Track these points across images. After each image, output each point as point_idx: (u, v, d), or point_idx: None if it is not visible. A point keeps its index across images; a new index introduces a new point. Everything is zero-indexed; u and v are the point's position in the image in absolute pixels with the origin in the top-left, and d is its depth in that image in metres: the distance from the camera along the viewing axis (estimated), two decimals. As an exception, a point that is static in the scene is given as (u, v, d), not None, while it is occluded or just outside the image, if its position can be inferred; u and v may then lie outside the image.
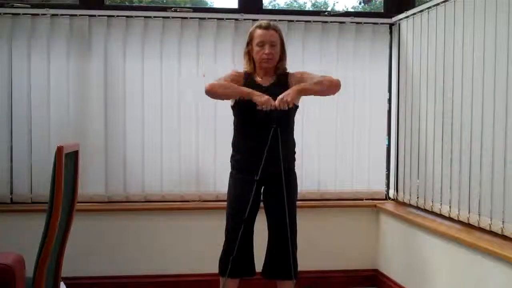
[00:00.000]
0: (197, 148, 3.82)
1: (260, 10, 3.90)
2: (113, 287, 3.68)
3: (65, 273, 2.69)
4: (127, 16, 3.75)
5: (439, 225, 3.13)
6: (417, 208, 3.57)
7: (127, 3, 4.61)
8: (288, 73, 3.06)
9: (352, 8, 5.10)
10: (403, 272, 3.58)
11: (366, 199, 4.00)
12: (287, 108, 2.81)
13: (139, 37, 3.77)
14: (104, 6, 3.79)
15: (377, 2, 4.78)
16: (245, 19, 3.78)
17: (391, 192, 4.00)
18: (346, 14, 3.98)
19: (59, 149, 2.20)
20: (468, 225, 2.96)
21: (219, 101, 3.60)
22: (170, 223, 3.78)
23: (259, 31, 2.96)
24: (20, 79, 3.68)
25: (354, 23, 3.92)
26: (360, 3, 4.62)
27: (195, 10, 3.84)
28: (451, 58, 3.11)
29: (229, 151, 3.09)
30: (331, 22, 3.90)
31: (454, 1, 3.08)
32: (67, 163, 2.31)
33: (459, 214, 3.04)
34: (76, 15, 3.69)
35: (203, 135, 3.81)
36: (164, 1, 4.92)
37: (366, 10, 4.83)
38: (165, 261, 3.76)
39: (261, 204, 3.06)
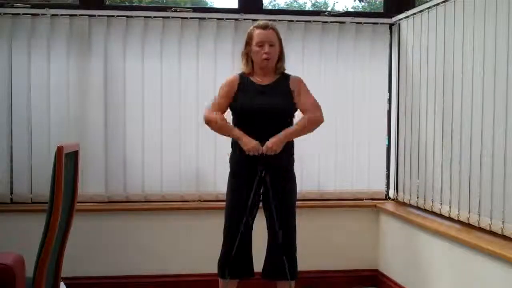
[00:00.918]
0: (197, 148, 3.82)
1: (260, 10, 3.90)
2: (113, 287, 3.68)
3: (65, 273, 2.69)
4: (127, 16, 3.75)
5: (439, 225, 3.13)
6: (417, 208, 3.57)
7: (127, 3, 4.62)
8: (288, 75, 3.06)
9: (352, 8, 5.10)
10: (403, 272, 3.58)
11: (366, 199, 4.00)
12: (273, 154, 2.87)
13: (139, 37, 3.77)
14: (104, 6, 3.79)
15: (377, 2, 4.78)
16: (245, 19, 3.78)
17: (391, 192, 4.00)
18: (346, 14, 3.98)
19: (59, 149, 2.20)
20: (468, 225, 2.96)
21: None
22: (170, 223, 3.78)
23: (257, 31, 2.97)
24: (20, 79, 3.68)
25: (354, 23, 3.92)
26: (355, 0, 4.63)
27: (195, 10, 3.84)
28: (451, 58, 3.11)
29: (229, 151, 3.08)
30: (331, 22, 3.90)
31: (454, 1, 3.08)
32: (67, 163, 2.31)
33: (459, 214, 3.04)
34: (76, 15, 3.69)
35: (203, 135, 3.81)
36: (164, 1, 4.92)
37: (366, 10, 4.83)
38: (165, 261, 3.76)
39: (260, 204, 3.06)
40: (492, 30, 2.73)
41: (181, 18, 3.78)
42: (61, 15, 3.68)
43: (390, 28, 3.97)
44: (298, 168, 3.12)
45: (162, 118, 3.80)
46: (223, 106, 3.02)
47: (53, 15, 3.67)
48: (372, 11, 4.97)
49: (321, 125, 3.17)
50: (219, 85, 3.12)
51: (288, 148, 3.04)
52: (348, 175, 3.97)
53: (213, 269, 3.06)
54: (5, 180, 3.68)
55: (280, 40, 3.02)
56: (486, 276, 2.66)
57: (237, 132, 2.93)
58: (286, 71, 3.08)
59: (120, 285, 3.69)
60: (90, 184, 3.74)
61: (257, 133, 2.89)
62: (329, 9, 4.73)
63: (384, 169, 4.03)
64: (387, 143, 4.04)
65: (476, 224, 2.88)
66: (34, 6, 3.69)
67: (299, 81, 3.06)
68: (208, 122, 3.02)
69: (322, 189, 3.95)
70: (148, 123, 3.79)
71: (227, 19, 3.81)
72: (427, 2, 3.39)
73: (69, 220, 2.54)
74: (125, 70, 3.78)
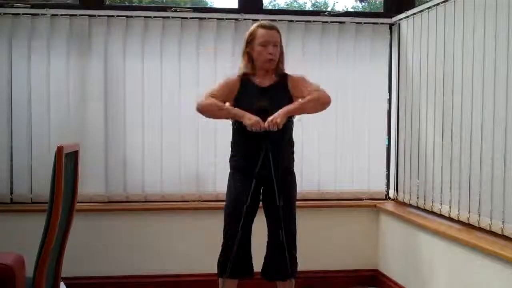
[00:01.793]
0: (197, 148, 3.82)
1: (260, 10, 3.90)
2: (113, 287, 3.68)
3: (65, 273, 2.69)
4: (127, 16, 3.75)
5: (439, 225, 3.13)
6: (417, 208, 3.57)
7: (127, 3, 4.62)
8: (287, 74, 3.06)
9: (352, 8, 5.10)
10: (403, 272, 3.58)
11: (366, 199, 4.00)
12: (276, 129, 2.83)
13: (139, 37, 3.77)
14: (104, 6, 3.79)
15: (377, 2, 4.78)
16: (245, 19, 3.78)
17: (391, 192, 4.00)
18: (346, 14, 3.98)
19: (59, 149, 2.20)
20: (468, 225, 2.96)
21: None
22: (170, 223, 3.78)
23: (262, 31, 2.95)
24: (20, 79, 3.68)
25: (354, 23, 3.92)
26: (356, 1, 4.63)
27: (195, 10, 3.84)
28: (451, 58, 3.11)
29: (229, 151, 3.09)
30: (331, 22, 3.90)
31: (454, 1, 3.08)
32: (67, 163, 2.31)
33: (459, 214, 3.04)
34: (76, 15, 3.69)
35: (203, 135, 3.81)
36: (164, 1, 4.92)
37: (366, 10, 4.83)
38: (165, 261, 3.76)
39: (261, 204, 3.06)
40: (492, 30, 2.73)
41: (181, 18, 3.78)
42: (61, 15, 3.68)
43: (390, 28, 3.97)
44: (298, 168, 3.12)
45: (162, 118, 3.80)
46: (217, 97, 2.94)
47: (53, 15, 3.67)
48: (372, 11, 4.97)
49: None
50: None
51: (289, 148, 3.04)
52: (348, 175, 3.97)
53: (213, 269, 3.06)
54: (5, 180, 3.67)
55: (281, 41, 3.02)
56: (486, 276, 2.66)
57: (237, 109, 2.90)
58: (285, 72, 3.07)
59: (120, 285, 3.69)
60: (90, 184, 3.74)
61: (258, 135, 2.88)
62: (329, 9, 4.73)
63: (384, 169, 4.03)
64: (387, 143, 4.04)
65: (476, 224, 2.88)
66: (34, 6, 3.69)
67: (297, 76, 3.05)
68: (204, 107, 2.93)
69: (322, 189, 3.95)
70: (148, 123, 3.79)
71: (227, 19, 3.81)
72: (427, 2, 3.39)
73: (69, 220, 2.54)
74: (125, 70, 3.78)
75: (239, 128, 3.00)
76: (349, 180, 3.97)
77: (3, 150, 3.67)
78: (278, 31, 2.98)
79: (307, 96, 2.95)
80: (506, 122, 2.61)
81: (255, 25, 3.03)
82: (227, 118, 2.99)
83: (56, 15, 3.68)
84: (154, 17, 3.76)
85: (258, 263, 3.04)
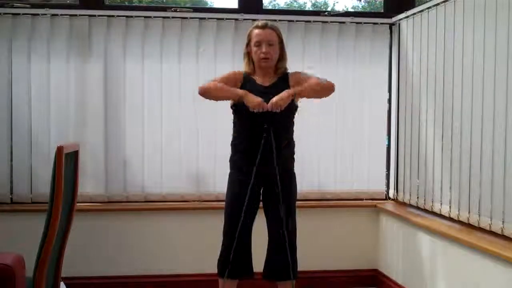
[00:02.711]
0: (197, 148, 3.82)
1: (260, 10, 3.90)
2: (113, 287, 3.68)
3: (65, 273, 2.69)
4: (127, 16, 3.75)
5: (439, 225, 3.13)
6: (417, 208, 3.57)
7: (127, 3, 4.62)
8: (288, 73, 3.06)
9: (352, 8, 5.10)
10: (403, 272, 3.58)
11: (366, 199, 4.00)
12: (279, 111, 2.83)
13: (139, 37, 3.77)
14: (104, 6, 3.79)
15: (377, 2, 4.78)
16: (245, 19, 3.78)
17: (391, 192, 4.00)
18: (346, 14, 3.98)
19: (59, 149, 2.20)
20: (468, 225, 2.96)
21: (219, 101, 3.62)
22: (170, 223, 3.78)
23: (256, 31, 2.96)
24: (20, 79, 3.68)
25: (354, 23, 3.92)
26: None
27: (195, 10, 3.84)
28: (451, 58, 3.11)
29: (229, 151, 3.08)
30: (331, 22, 3.90)
31: (454, 1, 3.08)
32: (67, 163, 2.31)
33: (459, 214, 3.04)
34: (76, 15, 3.69)
35: (203, 135, 3.81)
36: (164, 1, 4.92)
37: (366, 10, 4.84)
38: (165, 261, 3.76)
39: (261, 204, 3.06)
40: (492, 30, 2.73)
41: (181, 18, 3.78)
42: (61, 15, 3.68)
43: (390, 28, 3.97)
44: (298, 168, 3.12)
45: (162, 118, 3.80)
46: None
47: (53, 15, 3.67)
48: (372, 11, 4.97)
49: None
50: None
51: (290, 148, 3.04)
52: (348, 175, 3.97)
53: (213, 269, 3.05)
54: (5, 180, 3.67)
55: (281, 40, 3.00)
56: (486, 276, 2.66)
57: (240, 90, 2.89)
58: (287, 71, 3.06)
59: (120, 285, 3.69)
60: (90, 184, 3.74)
61: (259, 134, 2.88)
62: (329, 9, 4.73)
63: (384, 169, 4.03)
64: (387, 143, 4.04)
65: (476, 224, 2.88)
66: (34, 6, 3.69)
67: (298, 72, 3.04)
68: (205, 89, 2.92)
69: (322, 189, 3.95)
70: (148, 123, 3.79)
71: (227, 19, 3.81)
72: (427, 2, 3.39)
73: (69, 220, 2.54)
74: (125, 70, 3.78)
75: (239, 128, 3.01)
76: (349, 180, 3.97)
77: (3, 150, 3.67)
78: (275, 30, 2.97)
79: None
80: (506, 122, 2.61)
81: (252, 25, 3.04)
82: (228, 98, 2.95)
83: (56, 15, 3.68)
84: (154, 17, 3.76)
85: (258, 264, 3.04)
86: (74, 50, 3.72)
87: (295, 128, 3.06)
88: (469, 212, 2.94)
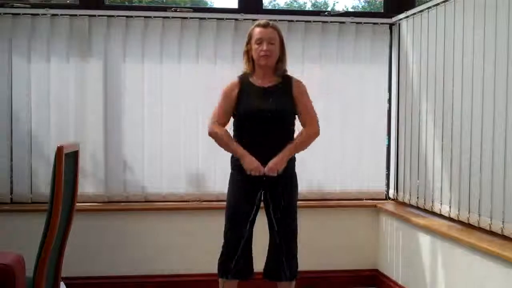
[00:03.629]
0: (197, 148, 3.82)
1: (260, 10, 3.90)
2: (113, 287, 3.68)
3: (65, 273, 2.69)
4: (127, 16, 3.75)
5: (439, 225, 3.12)
6: (417, 208, 3.57)
7: (127, 3, 4.62)
8: (291, 77, 3.04)
9: (352, 8, 5.10)
10: (403, 272, 3.58)
11: (366, 199, 4.00)
12: (276, 175, 2.87)
13: (139, 37, 3.76)
14: (104, 6, 3.79)
15: (377, 2, 4.78)
16: (245, 19, 3.78)
17: (391, 192, 4.00)
18: (346, 14, 3.98)
19: (59, 149, 2.20)
20: (468, 225, 2.96)
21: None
22: (170, 223, 3.77)
23: (257, 29, 2.96)
24: (20, 79, 3.68)
25: (354, 23, 3.92)
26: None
27: (195, 10, 3.84)
28: (451, 58, 3.11)
29: (229, 151, 3.09)
30: (331, 22, 3.90)
31: (454, 1, 3.08)
32: (67, 163, 2.31)
33: (459, 214, 3.04)
34: (76, 15, 3.69)
35: (203, 135, 3.79)
36: (164, 1, 4.92)
37: (366, 10, 4.83)
38: (165, 261, 3.76)
39: (261, 205, 3.05)
40: (492, 30, 2.73)
41: (181, 18, 3.78)
42: (61, 15, 3.68)
43: (390, 28, 3.97)
44: (298, 168, 3.12)
45: (162, 118, 3.80)
46: (223, 116, 3.01)
47: (53, 15, 3.67)
48: (372, 11, 4.97)
49: (321, 124, 3.15)
50: (219, 85, 3.11)
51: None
52: (348, 175, 3.97)
53: (213, 269, 3.05)
54: (5, 180, 3.67)
55: (281, 40, 3.00)
56: (486, 276, 2.66)
57: (241, 150, 2.92)
58: (287, 73, 3.06)
59: (120, 285, 3.69)
60: (90, 184, 3.74)
61: (259, 136, 2.88)
62: (329, 9, 4.72)
63: (384, 169, 4.03)
64: (387, 143, 4.04)
65: (476, 224, 2.88)
66: (34, 6, 3.70)
67: (302, 86, 3.04)
68: (213, 137, 3.02)
69: (322, 189, 3.95)
70: (148, 123, 3.79)
71: (227, 19, 3.81)
72: (427, 2, 3.39)
73: (69, 220, 2.54)
74: (125, 70, 3.78)
75: (239, 130, 3.01)
76: (349, 180, 3.97)
77: (3, 150, 3.67)
78: (276, 30, 2.97)
79: (302, 125, 3.02)
80: (506, 122, 2.61)
81: (253, 24, 3.04)
82: (229, 152, 3.03)
83: (56, 15, 3.67)
84: (154, 17, 3.76)
85: (259, 264, 3.04)
86: (74, 50, 3.72)
87: (295, 128, 3.06)
88: (469, 212, 2.94)
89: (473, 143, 2.90)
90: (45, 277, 2.23)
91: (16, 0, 3.67)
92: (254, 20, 3.58)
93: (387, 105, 4.02)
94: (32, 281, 2.20)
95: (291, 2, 4.98)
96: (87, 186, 3.72)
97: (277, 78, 3.01)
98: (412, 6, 3.80)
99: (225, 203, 3.05)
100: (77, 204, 2.66)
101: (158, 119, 3.80)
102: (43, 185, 3.63)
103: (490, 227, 2.75)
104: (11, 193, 3.70)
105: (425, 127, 3.45)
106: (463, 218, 2.99)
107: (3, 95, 3.66)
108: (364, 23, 3.93)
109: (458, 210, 3.05)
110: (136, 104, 3.78)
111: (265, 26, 2.95)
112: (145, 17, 3.75)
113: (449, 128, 3.13)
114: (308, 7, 5.18)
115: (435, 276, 3.15)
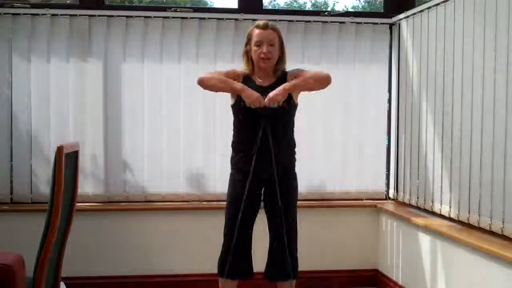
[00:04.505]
0: (197, 148, 3.82)
1: (260, 10, 3.90)
2: (113, 287, 3.68)
3: (65, 273, 2.69)
4: (127, 16, 3.75)
5: (439, 225, 3.12)
6: (417, 208, 3.57)
7: (127, 3, 4.62)
8: (286, 72, 3.05)
9: (352, 8, 5.11)
10: (403, 272, 3.58)
11: (366, 199, 4.00)
12: (276, 105, 2.83)
13: (139, 37, 3.76)
14: (104, 6, 3.79)
15: (377, 2, 4.78)
16: (245, 19, 3.78)
17: (391, 192, 4.00)
18: (346, 14, 3.98)
19: (59, 149, 2.20)
20: (468, 225, 2.96)
21: (219, 101, 3.62)
22: (170, 223, 3.77)
23: (257, 31, 2.95)
24: (20, 79, 3.68)
25: (354, 23, 3.92)
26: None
27: (195, 10, 3.84)
28: (451, 58, 3.11)
29: (229, 151, 3.08)
30: (331, 22, 3.90)
31: (454, 1, 3.08)
32: (67, 163, 2.30)
33: (459, 214, 3.04)
34: (76, 15, 3.69)
35: (203, 135, 3.81)
36: (164, 1, 4.92)
37: (366, 10, 4.84)
38: (165, 261, 3.76)
39: (262, 204, 3.05)
40: (492, 30, 2.73)
41: (181, 18, 3.78)
42: (61, 15, 3.68)
43: (390, 28, 3.97)
44: (298, 168, 3.12)
45: (162, 118, 3.80)
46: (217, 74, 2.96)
47: (53, 15, 3.67)
48: (372, 11, 4.97)
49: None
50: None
51: (291, 148, 3.03)
52: (348, 175, 3.97)
53: (213, 269, 3.05)
54: (5, 180, 3.67)
55: (281, 41, 2.99)
56: (486, 276, 2.66)
57: (238, 84, 2.88)
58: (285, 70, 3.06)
59: (120, 285, 3.69)
60: (90, 184, 3.74)
61: (258, 135, 2.88)
62: (329, 9, 4.74)
63: (384, 169, 4.03)
64: (387, 143, 4.04)
65: (476, 224, 2.88)
66: (34, 6, 3.70)
67: (294, 70, 3.03)
68: (204, 79, 2.92)
69: (323, 189, 3.95)
70: (148, 123, 3.79)
71: (227, 19, 3.81)
72: (427, 2, 3.39)
73: (69, 220, 2.54)
74: (125, 70, 3.78)
75: (239, 128, 3.01)
76: (349, 180, 3.97)
77: (3, 150, 3.67)
78: (276, 31, 2.96)
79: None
80: (506, 122, 2.61)
81: (252, 25, 3.03)
82: (226, 90, 2.95)
83: (56, 15, 3.67)
84: (154, 17, 3.76)
85: (259, 263, 3.04)
86: (74, 50, 3.72)
87: (295, 127, 3.06)
88: (469, 212, 2.94)
89: (473, 143, 2.90)
90: (45, 277, 2.22)
91: (16, 0, 3.67)
92: (254, 20, 3.59)
93: (387, 105, 4.02)
94: (32, 281, 2.20)
95: (291, 2, 4.99)
96: (87, 186, 3.72)
97: (275, 78, 3.01)
98: (412, 6, 3.80)
99: (225, 203, 3.05)
100: (77, 204, 2.66)
101: (158, 119, 3.80)
102: (43, 185, 3.63)
103: (490, 227, 2.75)
104: (11, 193, 3.70)
105: (425, 127, 3.45)
106: (463, 218, 2.99)
107: (3, 95, 3.67)
108: (364, 23, 3.93)
109: (458, 210, 3.05)
110: (136, 104, 3.78)
111: (264, 27, 2.95)
112: (145, 17, 3.75)
113: (449, 128, 3.13)
114: (308, 7, 5.19)
115: (435, 276, 3.15)
